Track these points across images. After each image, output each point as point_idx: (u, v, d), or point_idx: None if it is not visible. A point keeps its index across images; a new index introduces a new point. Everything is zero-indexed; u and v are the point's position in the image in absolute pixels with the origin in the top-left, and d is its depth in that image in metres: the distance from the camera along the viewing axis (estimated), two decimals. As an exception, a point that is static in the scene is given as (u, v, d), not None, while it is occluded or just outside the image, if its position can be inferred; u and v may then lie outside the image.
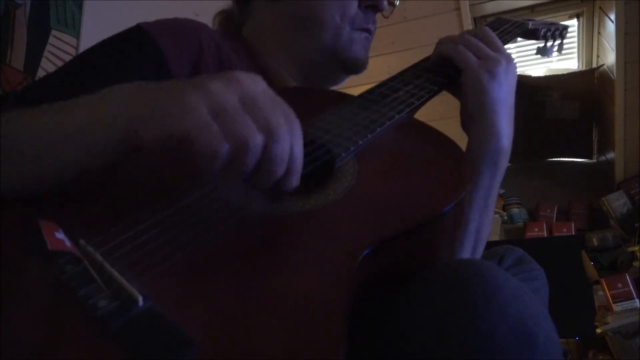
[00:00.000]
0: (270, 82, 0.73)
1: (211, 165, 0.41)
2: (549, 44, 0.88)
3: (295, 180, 0.45)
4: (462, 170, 0.52)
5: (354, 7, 0.75)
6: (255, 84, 0.44)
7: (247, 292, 0.38)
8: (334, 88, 0.82)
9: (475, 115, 0.63)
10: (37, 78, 1.30)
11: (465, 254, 0.62)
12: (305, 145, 0.53)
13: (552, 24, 0.86)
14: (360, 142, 0.54)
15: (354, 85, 0.86)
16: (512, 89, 0.65)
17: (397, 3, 0.83)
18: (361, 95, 0.64)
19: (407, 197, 0.49)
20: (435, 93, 0.65)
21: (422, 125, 0.60)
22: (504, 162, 0.64)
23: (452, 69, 0.66)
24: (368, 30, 0.78)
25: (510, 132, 0.64)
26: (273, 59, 0.78)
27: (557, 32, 0.86)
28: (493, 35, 0.68)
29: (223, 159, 0.41)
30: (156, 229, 0.42)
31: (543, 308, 0.42)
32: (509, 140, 0.64)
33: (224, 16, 0.85)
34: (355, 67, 0.78)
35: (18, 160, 0.45)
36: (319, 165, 0.52)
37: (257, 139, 0.41)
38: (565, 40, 0.90)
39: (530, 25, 0.83)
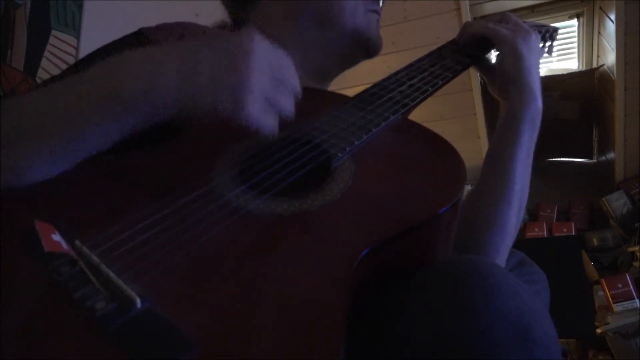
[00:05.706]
0: None
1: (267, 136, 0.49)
2: (540, 46, 0.88)
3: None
4: (458, 172, 0.52)
5: None
6: (269, 54, 0.50)
7: (245, 293, 0.38)
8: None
9: (515, 80, 0.69)
10: (37, 78, 1.30)
11: (513, 213, 0.65)
12: (302, 145, 0.54)
13: (542, 25, 0.86)
14: (356, 143, 0.54)
15: (355, 85, 0.86)
16: (540, 58, 0.73)
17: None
18: (357, 96, 0.64)
19: (404, 198, 0.49)
20: (430, 94, 0.66)
21: (419, 127, 0.60)
22: (539, 122, 0.70)
23: (460, 63, 0.71)
24: (377, 12, 0.80)
25: (541, 96, 0.71)
26: None
27: (547, 34, 0.86)
28: (515, 17, 0.74)
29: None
30: (153, 230, 0.42)
31: (541, 304, 0.42)
32: (541, 102, 0.70)
33: (220, 27, 0.84)
34: (375, 47, 0.79)
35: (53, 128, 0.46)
36: (316, 165, 0.52)
37: (290, 105, 0.50)
38: (564, 41, 0.90)
39: None
